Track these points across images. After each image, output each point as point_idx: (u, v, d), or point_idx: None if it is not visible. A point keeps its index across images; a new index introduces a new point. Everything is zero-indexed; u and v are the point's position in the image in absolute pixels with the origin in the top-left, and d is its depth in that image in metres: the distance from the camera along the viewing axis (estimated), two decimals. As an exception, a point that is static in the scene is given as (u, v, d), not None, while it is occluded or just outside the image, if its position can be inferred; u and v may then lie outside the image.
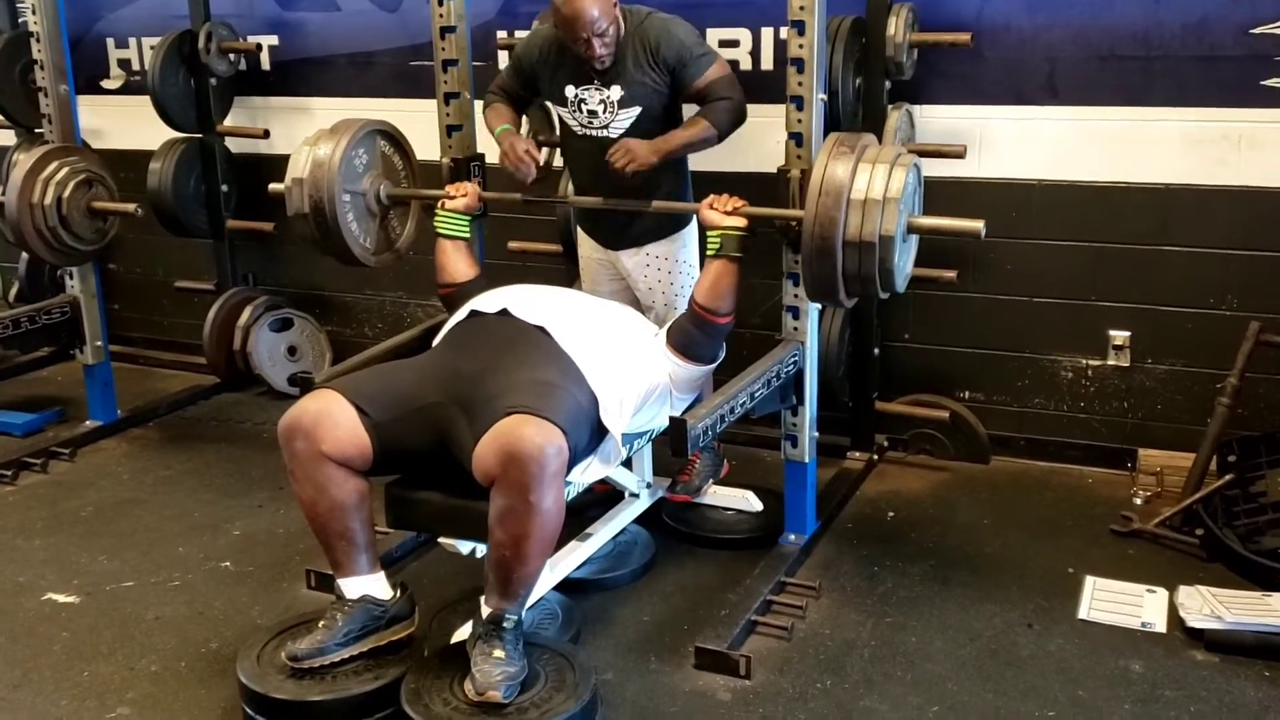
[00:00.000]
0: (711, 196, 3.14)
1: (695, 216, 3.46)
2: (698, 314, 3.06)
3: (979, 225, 2.81)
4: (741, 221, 3.04)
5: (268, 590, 3.28)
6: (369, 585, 2.72)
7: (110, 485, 4.06)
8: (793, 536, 3.38)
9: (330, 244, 3.42)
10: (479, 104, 3.67)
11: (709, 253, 3.08)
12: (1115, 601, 3.09)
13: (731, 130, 3.25)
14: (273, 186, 3.50)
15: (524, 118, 3.65)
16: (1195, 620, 2.90)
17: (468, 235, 3.38)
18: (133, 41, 5.14)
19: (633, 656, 2.90)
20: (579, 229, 3.66)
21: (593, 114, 3.27)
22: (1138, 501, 3.67)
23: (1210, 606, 2.92)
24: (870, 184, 2.73)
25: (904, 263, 2.91)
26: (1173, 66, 3.60)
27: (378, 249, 3.54)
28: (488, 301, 3.03)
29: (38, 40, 4.14)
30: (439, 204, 3.36)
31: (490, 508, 2.49)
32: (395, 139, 3.54)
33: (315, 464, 2.64)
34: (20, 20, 4.99)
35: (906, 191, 2.77)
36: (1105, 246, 3.79)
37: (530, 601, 2.74)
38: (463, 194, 3.36)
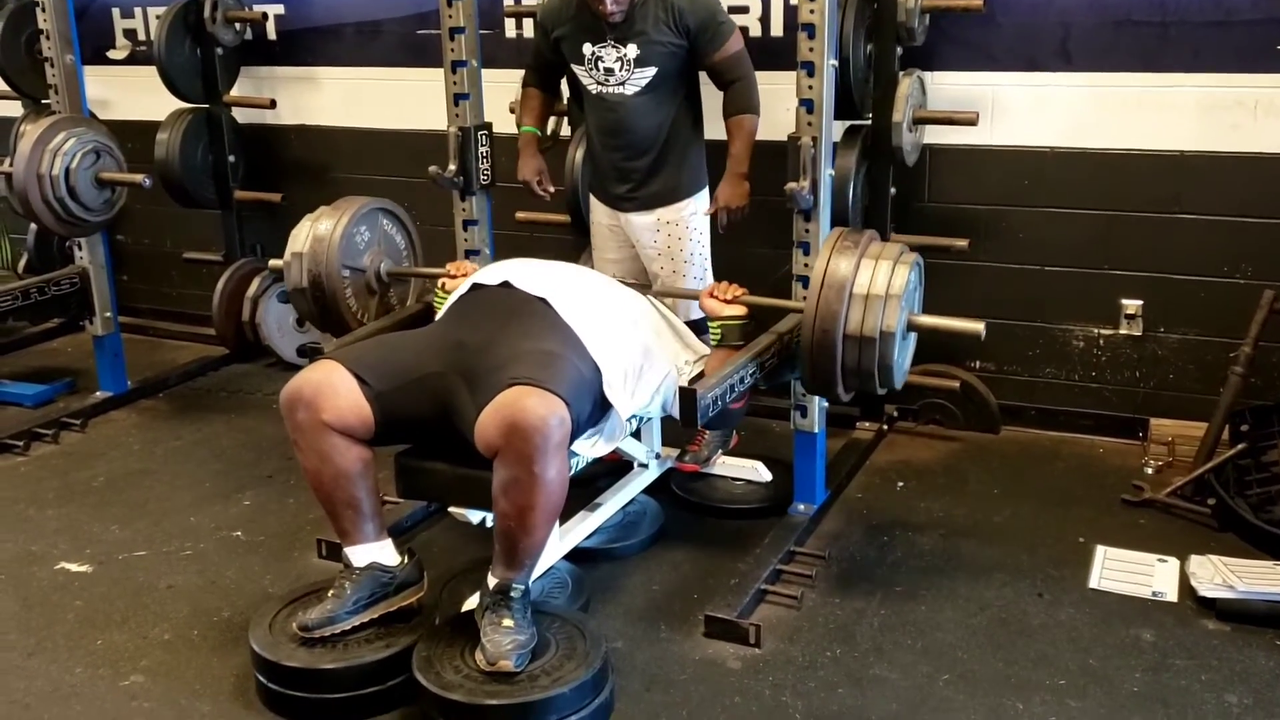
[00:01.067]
0: (712, 284, 3.12)
1: (705, 186, 3.45)
2: None
3: (979, 327, 2.80)
4: (742, 310, 3.00)
5: (279, 559, 3.30)
6: (376, 552, 2.73)
7: (121, 456, 4.07)
8: (802, 506, 3.38)
9: (327, 320, 3.38)
10: (486, 72, 3.65)
11: (712, 342, 3.05)
12: (1126, 571, 3.09)
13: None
14: (273, 263, 3.48)
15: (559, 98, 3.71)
16: (1207, 589, 2.89)
17: None
18: (138, 11, 5.11)
19: (642, 625, 2.91)
20: (589, 194, 3.65)
21: (609, 71, 3.26)
22: (1149, 471, 3.66)
23: (1222, 576, 2.92)
24: (873, 280, 2.72)
25: (903, 360, 2.90)
26: (1188, 32, 3.56)
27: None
28: (490, 274, 3.01)
29: (43, 10, 4.12)
30: (439, 284, 3.28)
31: (494, 479, 2.49)
32: (397, 217, 3.54)
33: (317, 433, 2.64)
34: (26, -11, 4.96)
35: (908, 289, 2.76)
36: (1118, 215, 3.77)
37: (538, 571, 2.75)
38: (463, 274, 3.24)
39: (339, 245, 3.31)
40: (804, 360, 2.83)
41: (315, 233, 3.33)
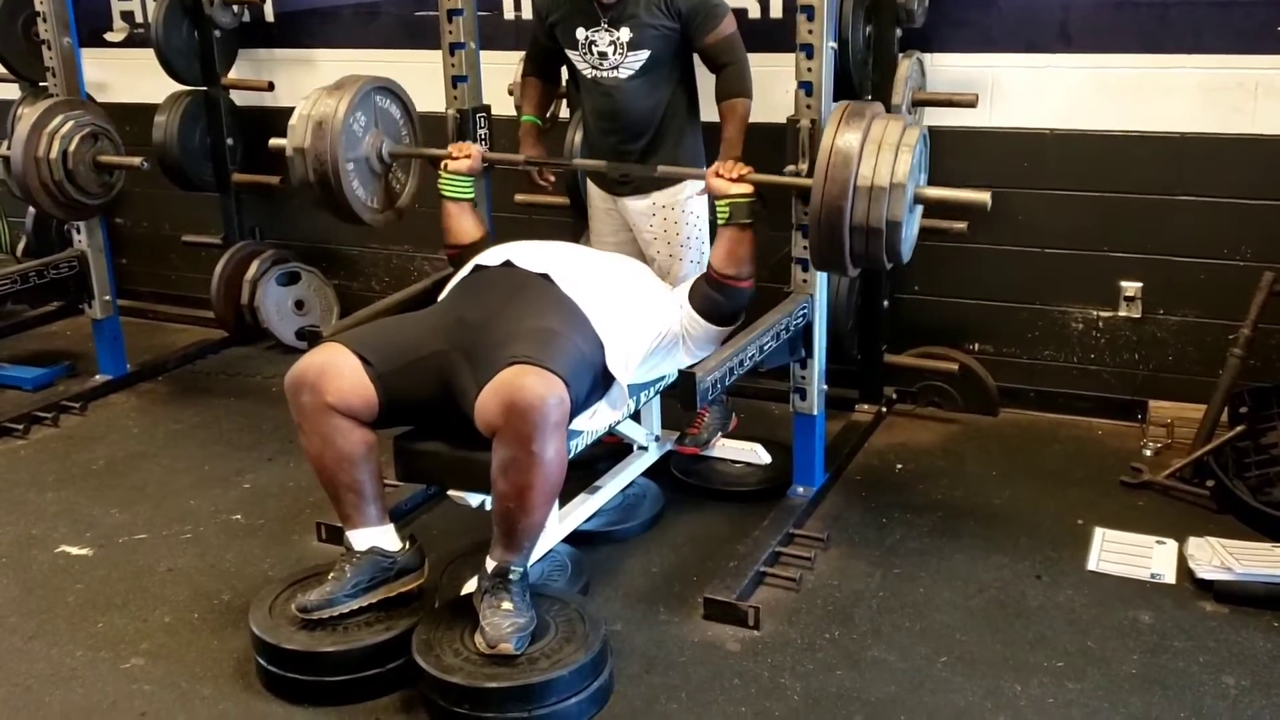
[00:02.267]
0: (717, 163, 3.11)
1: (703, 164, 3.44)
2: (718, 281, 3.03)
3: (985, 197, 2.79)
4: (748, 188, 3.01)
5: (279, 543, 3.30)
6: (377, 537, 2.73)
7: (121, 439, 4.07)
8: (801, 489, 3.38)
9: (338, 209, 3.41)
10: (485, 54, 3.64)
11: (720, 221, 3.05)
12: (1124, 553, 3.09)
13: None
14: (274, 142, 3.47)
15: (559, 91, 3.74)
16: (1205, 571, 2.90)
17: (471, 196, 3.37)
18: (136, -7, 5.10)
19: (642, 607, 2.91)
20: (586, 178, 3.64)
21: (603, 55, 3.26)
22: (1148, 453, 3.67)
23: (1220, 558, 2.92)
24: (876, 169, 2.70)
25: (910, 233, 2.89)
26: (1189, 13, 3.54)
27: (383, 206, 3.53)
28: (491, 255, 3.03)
29: (40, -9, 4.11)
30: (441, 165, 3.34)
31: (493, 459, 2.50)
32: (392, 92, 3.50)
33: (321, 416, 2.64)
34: (23, -28, 4.94)
35: (913, 166, 2.74)
36: (1118, 197, 3.76)
37: (537, 554, 2.75)
38: (465, 155, 3.34)
39: (340, 136, 3.28)
40: (812, 244, 2.85)
41: (314, 125, 3.29)
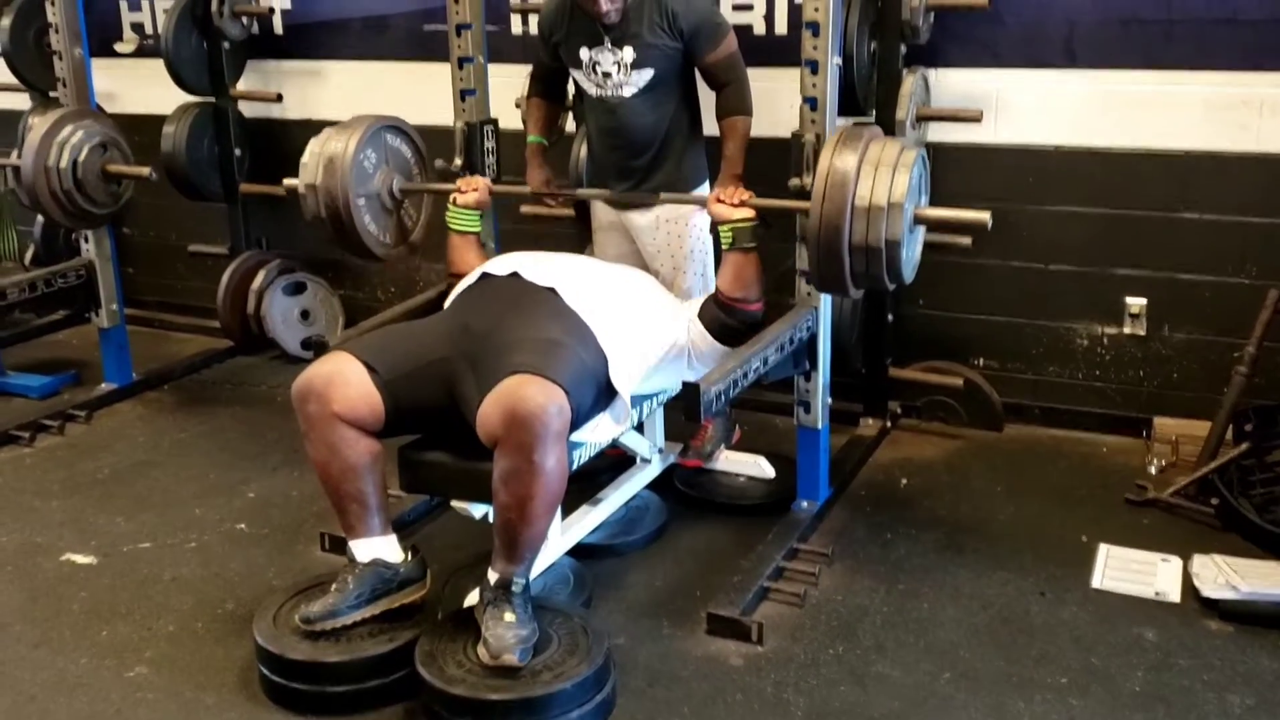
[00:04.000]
0: (718, 189, 3.13)
1: (706, 180, 3.45)
2: (727, 304, 3.04)
3: (985, 216, 2.79)
4: (750, 213, 3.03)
5: (282, 552, 3.31)
6: (380, 548, 2.73)
7: (126, 448, 4.08)
8: (805, 503, 3.38)
9: (350, 244, 3.45)
10: (492, 67, 3.66)
11: (724, 246, 3.07)
12: (1129, 570, 3.09)
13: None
14: (287, 182, 3.51)
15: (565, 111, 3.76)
16: (1210, 590, 2.89)
17: (478, 230, 3.41)
18: (145, 4, 5.11)
19: (645, 621, 2.91)
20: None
21: (606, 75, 3.27)
22: (1152, 470, 3.66)
23: (1225, 576, 2.92)
24: (874, 189, 2.71)
25: (912, 254, 2.89)
26: (1194, 30, 3.55)
27: (395, 241, 3.57)
28: (499, 265, 3.04)
29: (52, 3, 4.13)
30: (450, 199, 3.36)
31: (494, 469, 2.50)
32: (402, 131, 3.53)
33: (328, 425, 2.65)
34: (35, -17, 4.97)
35: (911, 186, 2.75)
36: (1122, 213, 3.76)
37: (540, 566, 2.76)
38: (473, 189, 3.36)
39: (350, 175, 3.32)
40: (812, 266, 2.86)
41: (325, 161, 3.33)
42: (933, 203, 2.91)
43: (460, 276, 3.30)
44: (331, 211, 3.35)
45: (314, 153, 3.39)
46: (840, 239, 2.74)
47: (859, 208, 2.72)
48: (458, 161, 3.62)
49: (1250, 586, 2.86)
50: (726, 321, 3.03)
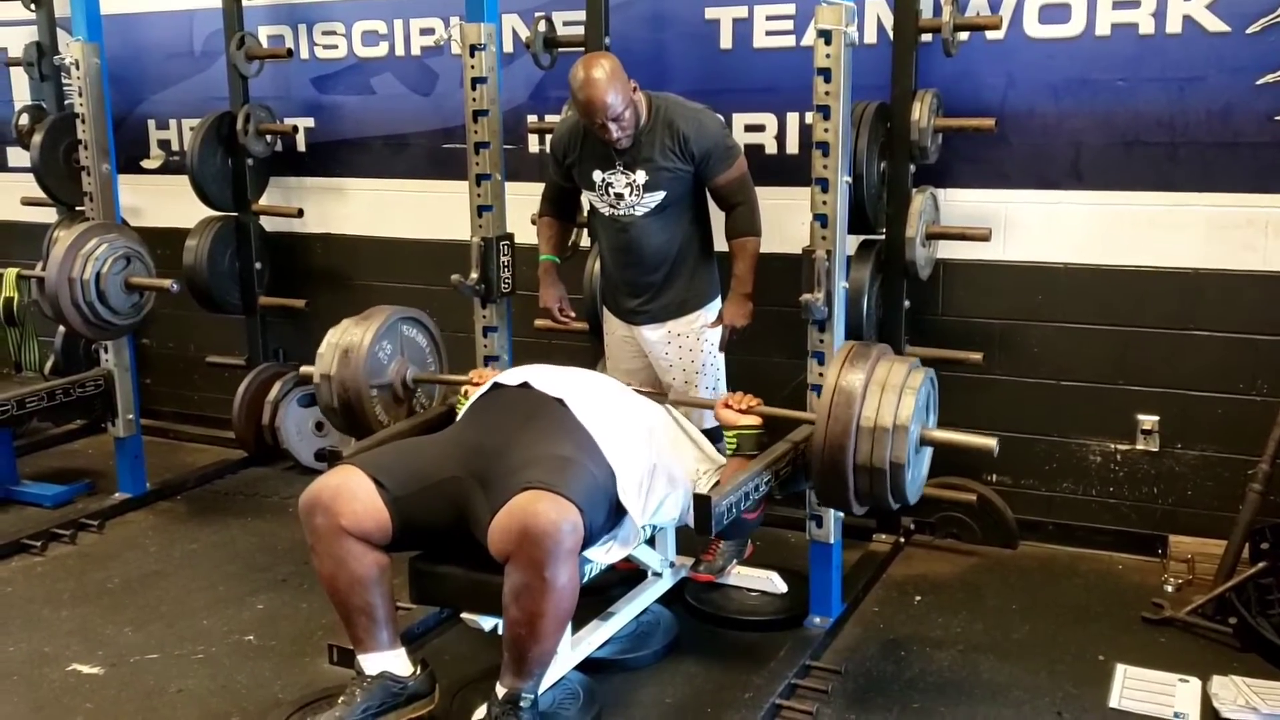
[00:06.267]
0: (726, 395, 3.18)
1: (717, 297, 3.50)
2: None
3: (991, 443, 2.82)
4: (757, 420, 3.05)
5: (290, 665, 3.27)
6: (388, 661, 2.71)
7: (137, 557, 4.07)
8: (818, 619, 3.35)
9: (359, 432, 3.45)
10: (509, 185, 3.74)
11: (727, 451, 3.09)
12: (1147, 691, 3.04)
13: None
14: (303, 369, 3.56)
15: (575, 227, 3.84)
16: (1230, 711, 2.84)
17: None
18: (173, 123, 5.27)
19: (655, 739, 2.87)
20: (603, 307, 3.70)
21: (619, 196, 3.34)
22: (1169, 589, 3.62)
23: (1245, 698, 2.87)
24: (880, 410, 2.73)
25: (917, 474, 2.92)
26: (1198, 153, 3.62)
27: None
28: (510, 376, 3.06)
29: (83, 121, 4.26)
30: (463, 391, 3.35)
31: (505, 584, 2.49)
32: (418, 321, 3.59)
33: (335, 538, 2.65)
34: (66, 102, 5.12)
35: (918, 408, 2.78)
36: (1133, 330, 3.79)
37: (549, 681, 2.72)
38: (485, 380, 3.35)
39: (364, 366, 3.35)
40: (815, 481, 2.85)
41: (340, 353, 3.37)
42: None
43: None
44: (343, 401, 3.36)
45: (331, 343, 3.41)
46: (845, 458, 2.75)
47: (864, 428, 2.73)
48: (474, 275, 3.68)
49: (1271, 708, 2.81)
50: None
